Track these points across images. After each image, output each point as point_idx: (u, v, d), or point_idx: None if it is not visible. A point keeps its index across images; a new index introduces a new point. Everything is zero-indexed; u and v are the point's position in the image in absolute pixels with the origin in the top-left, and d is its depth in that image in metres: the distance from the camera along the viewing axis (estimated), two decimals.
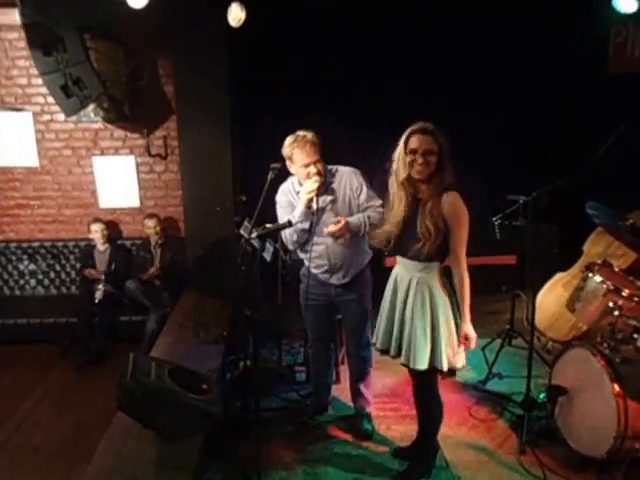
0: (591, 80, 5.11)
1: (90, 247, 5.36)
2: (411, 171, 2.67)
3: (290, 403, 3.95)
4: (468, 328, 2.78)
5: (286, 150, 3.17)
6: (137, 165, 5.49)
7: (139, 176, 5.53)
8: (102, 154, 5.46)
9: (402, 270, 2.87)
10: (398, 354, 2.88)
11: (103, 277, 5.08)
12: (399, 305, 2.86)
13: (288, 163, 3.20)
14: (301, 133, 3.15)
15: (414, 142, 2.65)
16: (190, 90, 4.83)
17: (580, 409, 3.27)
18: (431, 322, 2.76)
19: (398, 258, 2.89)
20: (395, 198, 2.78)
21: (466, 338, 2.78)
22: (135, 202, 5.58)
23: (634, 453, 2.96)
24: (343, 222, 3.12)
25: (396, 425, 3.64)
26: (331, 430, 3.65)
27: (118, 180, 5.50)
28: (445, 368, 2.77)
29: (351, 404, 3.70)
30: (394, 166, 2.75)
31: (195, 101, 4.82)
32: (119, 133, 5.43)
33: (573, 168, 3.42)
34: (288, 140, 3.17)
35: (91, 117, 5.23)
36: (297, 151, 3.12)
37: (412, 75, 5.19)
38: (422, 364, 2.76)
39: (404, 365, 2.87)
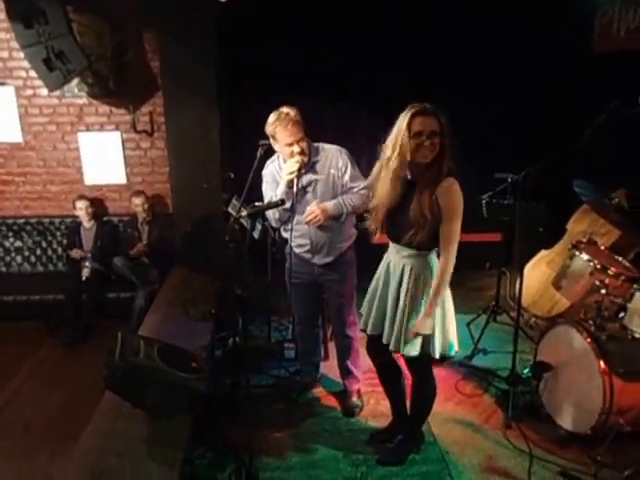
0: (577, 59, 5.10)
1: (76, 224, 5.31)
2: (416, 155, 2.53)
3: (279, 380, 3.98)
4: (421, 324, 2.67)
5: (269, 129, 3.12)
6: (123, 141, 5.41)
7: (125, 152, 5.45)
8: (87, 130, 5.37)
9: (395, 257, 2.80)
10: (390, 340, 2.83)
11: (90, 255, 5.06)
12: (392, 293, 2.80)
13: (272, 141, 3.17)
14: (284, 110, 3.08)
15: (419, 124, 2.50)
16: (176, 65, 4.76)
17: (565, 385, 3.33)
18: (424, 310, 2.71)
19: (391, 244, 2.83)
20: (386, 185, 2.66)
21: (415, 334, 2.69)
22: (121, 179, 5.51)
23: (618, 428, 3.02)
24: (317, 211, 3.12)
25: (384, 400, 3.64)
26: (321, 406, 3.69)
27: (104, 156, 5.43)
28: (437, 355, 2.74)
29: (340, 380, 3.73)
30: (388, 151, 2.59)
31: (182, 77, 4.75)
32: (104, 109, 5.34)
33: (559, 146, 3.43)
34: (271, 118, 3.11)
35: (75, 92, 5.11)
36: (279, 130, 3.07)
37: (400, 54, 5.18)
38: (414, 351, 2.74)
39: (395, 351, 2.83)
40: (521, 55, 5.15)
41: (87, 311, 4.88)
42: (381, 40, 5.17)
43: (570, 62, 5.08)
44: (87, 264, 4.97)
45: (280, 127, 3.06)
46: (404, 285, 2.74)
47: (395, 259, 2.81)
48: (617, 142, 4.09)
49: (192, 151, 4.92)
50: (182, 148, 4.95)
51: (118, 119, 5.37)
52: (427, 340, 2.73)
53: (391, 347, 2.82)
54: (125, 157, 5.46)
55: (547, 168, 3.36)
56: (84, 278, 4.93)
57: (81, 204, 5.17)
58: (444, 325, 2.76)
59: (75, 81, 4.82)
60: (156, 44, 5.03)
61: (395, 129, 2.58)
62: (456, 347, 2.81)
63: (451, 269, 2.64)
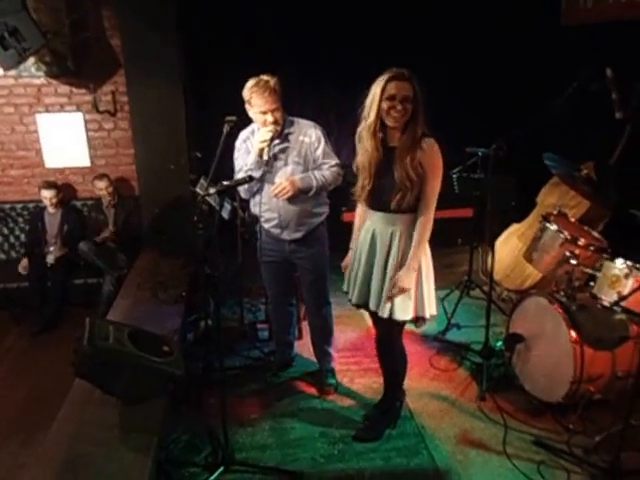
0: (545, 32, 5.09)
1: (39, 209, 5.14)
2: (387, 119, 2.58)
3: (254, 361, 3.94)
4: (404, 278, 2.69)
5: (246, 93, 3.06)
6: (85, 122, 5.24)
7: (88, 134, 5.28)
8: (47, 111, 5.18)
9: (381, 224, 2.76)
10: (378, 307, 2.83)
11: (54, 241, 4.93)
12: (379, 261, 2.78)
13: (247, 106, 3.11)
14: (264, 78, 3.03)
15: (392, 88, 2.53)
16: (138, 43, 4.62)
17: (537, 356, 3.36)
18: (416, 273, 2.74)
19: (373, 213, 2.79)
20: (366, 148, 2.68)
21: (395, 286, 2.70)
22: (85, 161, 5.34)
23: (589, 396, 3.07)
24: (286, 183, 3.07)
25: (359, 378, 3.68)
26: (296, 386, 3.66)
27: (65, 138, 5.25)
28: (429, 315, 2.80)
29: (314, 359, 3.71)
30: (366, 113, 2.63)
31: (143, 54, 4.61)
32: (64, 89, 5.15)
33: (528, 119, 3.43)
34: (249, 83, 3.05)
35: (32, 72, 4.91)
36: (256, 96, 3.01)
37: (370, 32, 5.13)
38: (407, 314, 2.77)
39: (386, 318, 2.80)
40: (489, 28, 5.13)
41: (53, 298, 4.76)
42: (348, 17, 5.09)
43: (538, 35, 5.07)
44: (52, 250, 4.83)
45: (257, 94, 3.01)
46: (393, 251, 2.74)
47: (381, 228, 2.77)
48: (585, 114, 4.10)
49: (157, 131, 4.81)
50: (147, 128, 4.82)
51: (79, 99, 5.18)
52: (420, 303, 2.78)
53: (383, 314, 2.80)
54: (88, 139, 5.29)
55: (516, 141, 3.36)
56: (49, 265, 4.80)
57: (47, 193, 4.94)
58: (420, 287, 2.78)
59: (32, 60, 4.65)
60: (116, 21, 4.85)
61: (371, 92, 2.61)
62: (432, 310, 2.84)
63: (431, 224, 2.70)
